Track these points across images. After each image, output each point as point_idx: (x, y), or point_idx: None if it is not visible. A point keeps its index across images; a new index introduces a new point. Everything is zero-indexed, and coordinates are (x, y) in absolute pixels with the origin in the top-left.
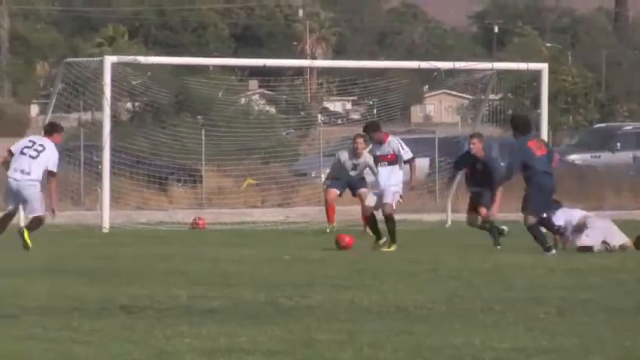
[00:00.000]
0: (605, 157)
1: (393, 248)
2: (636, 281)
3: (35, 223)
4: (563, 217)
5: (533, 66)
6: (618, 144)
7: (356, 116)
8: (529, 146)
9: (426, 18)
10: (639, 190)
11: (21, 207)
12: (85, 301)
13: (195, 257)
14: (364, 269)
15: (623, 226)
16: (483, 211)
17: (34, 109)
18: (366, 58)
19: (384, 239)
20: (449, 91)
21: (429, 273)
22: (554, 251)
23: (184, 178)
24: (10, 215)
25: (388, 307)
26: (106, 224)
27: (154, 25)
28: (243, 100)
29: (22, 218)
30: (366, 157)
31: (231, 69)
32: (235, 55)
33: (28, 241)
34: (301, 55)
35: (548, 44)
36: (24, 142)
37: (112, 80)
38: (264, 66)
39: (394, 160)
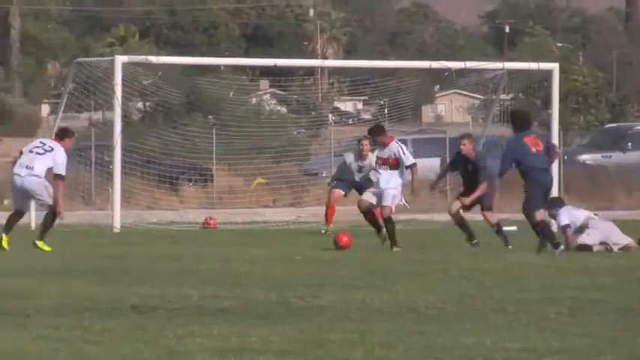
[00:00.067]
0: (616, 157)
1: (396, 249)
2: None
3: (45, 225)
4: (567, 216)
5: (544, 66)
6: (629, 144)
7: (367, 116)
8: (525, 142)
9: (436, 18)
10: None
11: (32, 207)
12: (96, 301)
13: (207, 257)
14: (375, 269)
15: (634, 226)
16: (488, 215)
17: (45, 109)
18: (377, 58)
19: (384, 230)
20: (460, 91)
21: (440, 273)
22: (562, 247)
23: (195, 177)
24: (18, 214)
25: (399, 307)
26: (117, 224)
27: (165, 24)
28: (254, 100)
29: (32, 219)
30: (372, 159)
31: (242, 69)
32: (246, 55)
33: (46, 248)
34: (312, 55)
35: (559, 44)
36: (34, 142)
37: (122, 80)
38: (275, 66)
39: (395, 164)
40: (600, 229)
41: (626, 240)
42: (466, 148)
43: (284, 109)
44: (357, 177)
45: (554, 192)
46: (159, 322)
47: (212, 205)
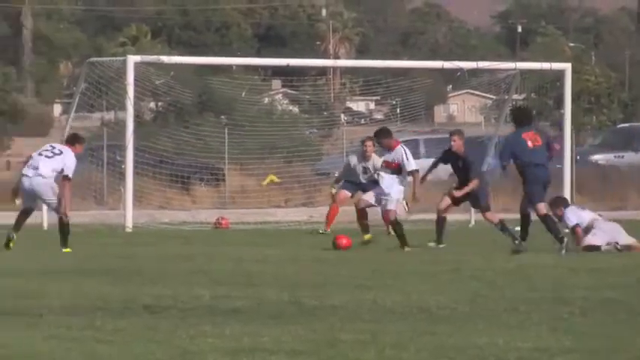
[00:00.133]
0: (629, 157)
1: (407, 249)
2: None
3: (63, 233)
4: (574, 216)
5: (557, 66)
6: None
7: (379, 116)
8: (523, 138)
9: (449, 18)
10: None
11: (44, 208)
12: (109, 301)
13: (219, 257)
14: (387, 270)
15: None
16: (488, 215)
17: (57, 109)
18: (389, 58)
19: (369, 234)
20: (472, 91)
21: (451, 273)
22: (566, 240)
23: (207, 177)
24: (25, 213)
25: (411, 307)
26: (129, 224)
27: (177, 24)
28: (266, 100)
29: (44, 219)
30: (375, 160)
31: (255, 69)
32: (258, 54)
33: (69, 250)
34: (324, 55)
35: (572, 44)
36: (45, 146)
37: (135, 80)
38: (288, 66)
39: (397, 168)
40: (605, 230)
41: (630, 240)
42: (456, 144)
43: (296, 109)
44: (363, 178)
45: (567, 192)
46: (171, 322)
47: (224, 205)
